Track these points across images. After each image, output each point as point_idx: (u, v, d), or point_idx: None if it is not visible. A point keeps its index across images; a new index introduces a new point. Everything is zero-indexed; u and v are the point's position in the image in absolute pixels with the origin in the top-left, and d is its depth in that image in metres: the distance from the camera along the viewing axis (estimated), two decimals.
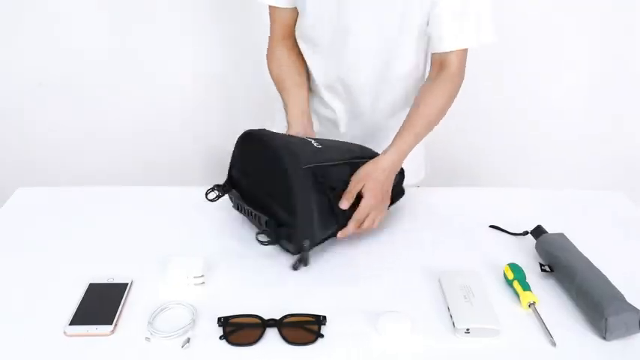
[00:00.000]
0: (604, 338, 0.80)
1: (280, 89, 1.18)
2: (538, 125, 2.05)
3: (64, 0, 1.77)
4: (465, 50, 1.12)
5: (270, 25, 1.19)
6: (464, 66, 1.13)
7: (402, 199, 1.10)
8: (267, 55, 1.21)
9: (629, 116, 2.05)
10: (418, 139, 1.07)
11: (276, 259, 0.96)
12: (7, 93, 1.92)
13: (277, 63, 1.19)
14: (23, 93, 1.92)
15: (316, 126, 1.24)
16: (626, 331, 0.80)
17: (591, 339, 0.81)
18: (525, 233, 1.05)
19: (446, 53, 1.10)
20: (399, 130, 1.06)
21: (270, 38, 1.21)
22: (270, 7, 1.16)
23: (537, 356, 0.78)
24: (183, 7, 1.78)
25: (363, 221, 0.98)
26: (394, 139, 1.05)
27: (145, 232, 1.04)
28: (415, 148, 1.10)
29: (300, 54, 1.19)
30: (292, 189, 0.91)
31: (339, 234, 0.96)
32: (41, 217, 1.09)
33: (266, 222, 0.93)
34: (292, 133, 1.10)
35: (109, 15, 1.80)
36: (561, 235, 0.99)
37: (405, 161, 1.07)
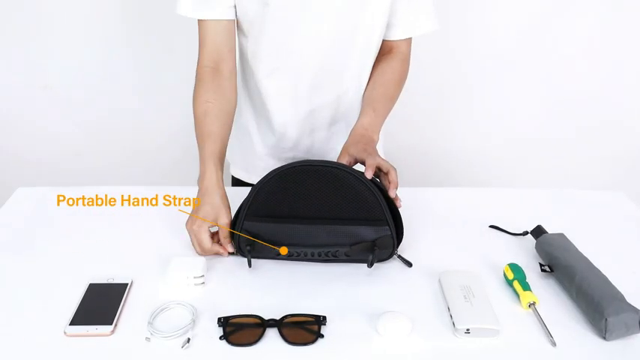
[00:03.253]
0: (604, 338, 0.80)
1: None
2: (538, 125, 2.06)
3: (67, 2, 1.77)
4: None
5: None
6: (410, 52, 1.17)
7: (401, 200, 1.09)
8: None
9: (630, 116, 2.05)
10: (381, 113, 1.09)
11: (276, 259, 0.96)
12: (11, 94, 1.92)
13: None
14: (27, 94, 1.92)
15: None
16: (626, 331, 0.80)
17: (591, 339, 0.81)
18: (525, 233, 1.05)
19: (397, 42, 1.13)
20: (361, 111, 1.08)
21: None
22: (199, 22, 1.05)
23: (537, 356, 0.78)
24: None
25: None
26: (359, 117, 1.07)
27: (145, 232, 1.04)
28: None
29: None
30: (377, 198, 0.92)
31: (391, 192, 0.92)
32: (41, 217, 1.09)
33: (351, 247, 0.93)
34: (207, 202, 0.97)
35: (111, 17, 1.81)
36: (561, 235, 0.99)
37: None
